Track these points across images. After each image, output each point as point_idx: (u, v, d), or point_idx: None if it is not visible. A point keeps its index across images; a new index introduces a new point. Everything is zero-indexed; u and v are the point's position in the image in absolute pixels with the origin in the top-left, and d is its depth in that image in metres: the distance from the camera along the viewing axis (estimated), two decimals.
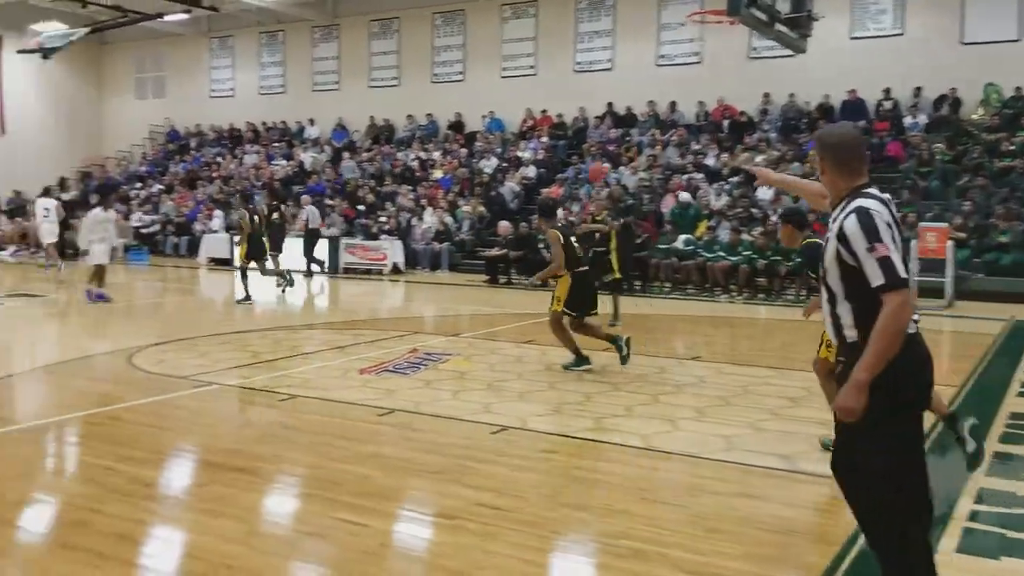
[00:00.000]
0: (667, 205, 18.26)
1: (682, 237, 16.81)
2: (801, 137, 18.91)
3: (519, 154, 22.34)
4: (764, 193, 17.49)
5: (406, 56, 25.70)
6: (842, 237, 2.96)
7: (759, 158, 18.33)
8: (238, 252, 14.68)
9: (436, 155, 23.55)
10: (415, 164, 23.54)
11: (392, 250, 19.22)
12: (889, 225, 2.95)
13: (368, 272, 19.23)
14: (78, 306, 13.47)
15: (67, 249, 19.99)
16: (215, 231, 22.33)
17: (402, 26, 25.73)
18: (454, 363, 8.73)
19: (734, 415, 6.67)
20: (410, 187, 22.21)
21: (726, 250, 16.00)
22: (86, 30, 23.33)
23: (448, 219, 20.39)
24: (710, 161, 19.67)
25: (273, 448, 5.64)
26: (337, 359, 8.91)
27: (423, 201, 21.36)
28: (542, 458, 5.66)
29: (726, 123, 20.80)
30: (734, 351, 10.60)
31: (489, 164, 22.34)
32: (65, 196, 26.38)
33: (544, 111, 23.30)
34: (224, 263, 20.71)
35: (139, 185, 27.50)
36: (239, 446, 5.67)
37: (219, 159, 27.14)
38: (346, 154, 24.90)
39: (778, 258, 15.14)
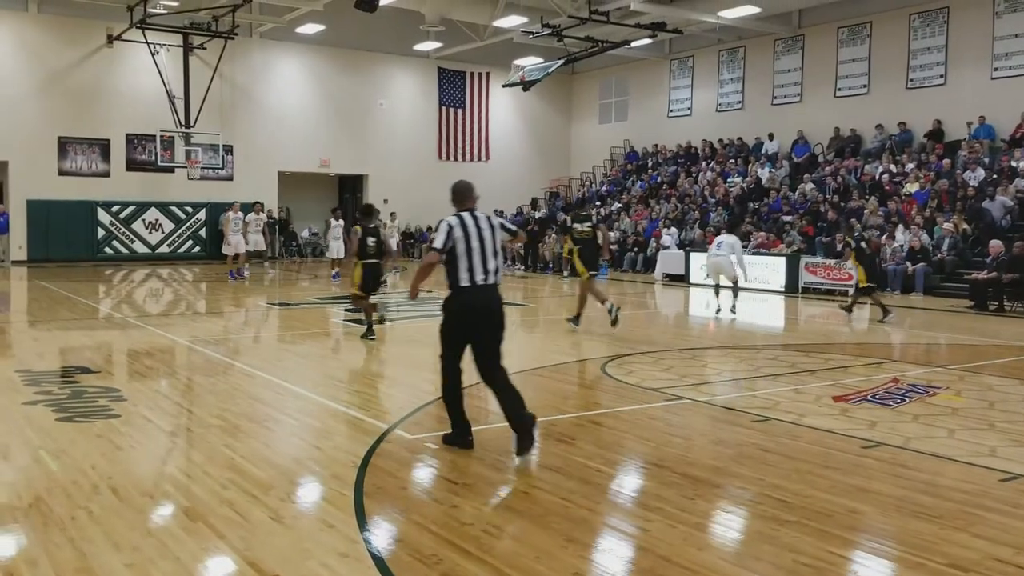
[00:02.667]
0: None
1: None
2: None
3: (1013, 164, 19.75)
4: None
5: (877, 62, 24.23)
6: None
7: None
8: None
9: (910, 167, 21.80)
10: (884, 177, 22.04)
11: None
12: (451, 226, 5.81)
13: (830, 292, 18.41)
14: (546, 314, 14.85)
15: None
16: (666, 247, 23.10)
17: (874, 31, 24.32)
18: (944, 397, 7.92)
19: None
20: (879, 202, 20.83)
21: None
22: (561, 62, 25.77)
23: (924, 237, 18.72)
24: None
25: (754, 470, 5.58)
26: (808, 383, 8.60)
27: (894, 217, 19.89)
28: None
29: None
30: None
31: (975, 176, 20.08)
32: (536, 214, 29.43)
33: None
34: (679, 279, 21.33)
35: (599, 204, 29.56)
36: (719, 463, 5.71)
37: (675, 177, 28.10)
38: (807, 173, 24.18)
39: None
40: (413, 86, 31.90)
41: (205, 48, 26.52)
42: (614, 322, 12.07)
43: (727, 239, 14.73)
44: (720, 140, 28.37)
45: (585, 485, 5.21)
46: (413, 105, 31.86)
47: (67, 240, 26.15)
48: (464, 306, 5.89)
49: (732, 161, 27.04)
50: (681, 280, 21.25)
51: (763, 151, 26.48)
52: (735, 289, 14.60)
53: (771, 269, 19.29)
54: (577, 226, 12.42)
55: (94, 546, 4.21)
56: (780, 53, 26.80)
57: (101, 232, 26.93)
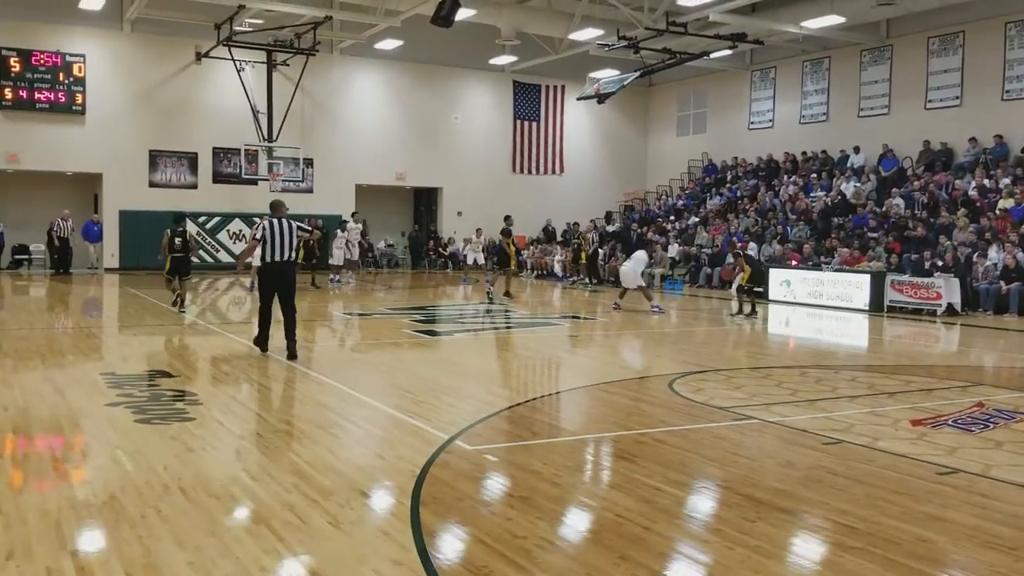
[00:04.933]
0: None
1: None
2: None
3: None
4: None
5: (971, 72, 23.46)
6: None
7: None
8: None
9: (1005, 182, 21.02)
10: (976, 193, 21.29)
11: (947, 289, 17.54)
12: (264, 226, 10.27)
13: (917, 312, 17.85)
14: (617, 328, 14.80)
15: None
16: None
17: (967, 40, 23.58)
18: None
19: None
20: (970, 218, 20.14)
21: None
22: (637, 74, 25.65)
23: (1020, 255, 17.99)
24: None
25: (820, 493, 5.47)
26: (886, 405, 8.37)
27: (987, 234, 19.20)
28: None
29: None
30: None
31: None
32: (610, 228, 29.34)
33: None
34: (757, 295, 20.92)
35: (672, 218, 29.33)
36: (784, 486, 5.61)
37: (755, 191, 27.69)
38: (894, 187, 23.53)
39: None
40: (488, 99, 32.21)
41: (288, 64, 27.29)
42: (489, 298, 18.71)
43: (637, 254, 18.17)
44: (803, 153, 27.82)
45: (643, 504, 5.18)
46: (488, 118, 32.17)
47: (157, 249, 26.99)
48: (268, 273, 10.50)
49: (815, 175, 26.50)
50: (759, 296, 20.87)
51: (848, 164, 25.88)
52: (646, 292, 17.62)
53: (855, 287, 18.82)
54: (501, 238, 20.25)
55: (160, 544, 4.39)
56: (867, 64, 26.20)
57: None
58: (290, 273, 10.58)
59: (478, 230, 26.38)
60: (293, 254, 10.50)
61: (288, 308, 10.46)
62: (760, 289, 17.37)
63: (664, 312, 17.17)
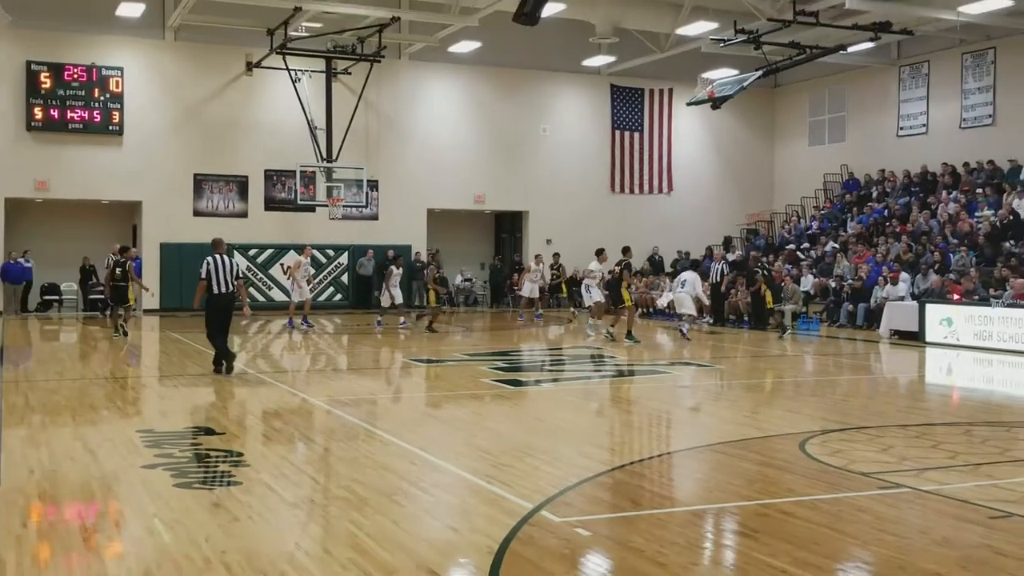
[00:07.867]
0: None
1: None
2: None
3: None
4: None
5: None
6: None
7: None
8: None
9: None
10: None
11: None
12: (208, 263, 13.59)
13: None
14: (740, 377, 14.63)
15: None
16: (901, 297, 22.25)
17: None
18: None
19: None
20: None
21: None
22: (759, 73, 25.56)
23: None
24: None
25: None
26: None
27: None
28: None
29: None
30: None
31: None
32: (730, 256, 29.06)
33: None
34: (910, 336, 20.50)
35: (805, 244, 28.91)
36: (940, 568, 5.48)
37: (907, 210, 27.17)
38: None
39: None
40: (582, 107, 32.48)
41: (350, 73, 28.11)
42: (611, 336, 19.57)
43: (689, 276, 20.31)
44: (965, 164, 27.32)
45: None
46: (582, 129, 32.39)
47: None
48: (212, 303, 13.60)
49: (980, 190, 25.91)
50: (915, 338, 20.39)
51: (1022, 176, 25.22)
52: (694, 319, 20.22)
53: None
54: (625, 272, 20.48)
55: None
56: None
57: None
58: (230, 304, 13.87)
59: (537, 256, 26.39)
60: (232, 287, 13.65)
61: (224, 337, 13.99)
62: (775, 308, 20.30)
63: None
